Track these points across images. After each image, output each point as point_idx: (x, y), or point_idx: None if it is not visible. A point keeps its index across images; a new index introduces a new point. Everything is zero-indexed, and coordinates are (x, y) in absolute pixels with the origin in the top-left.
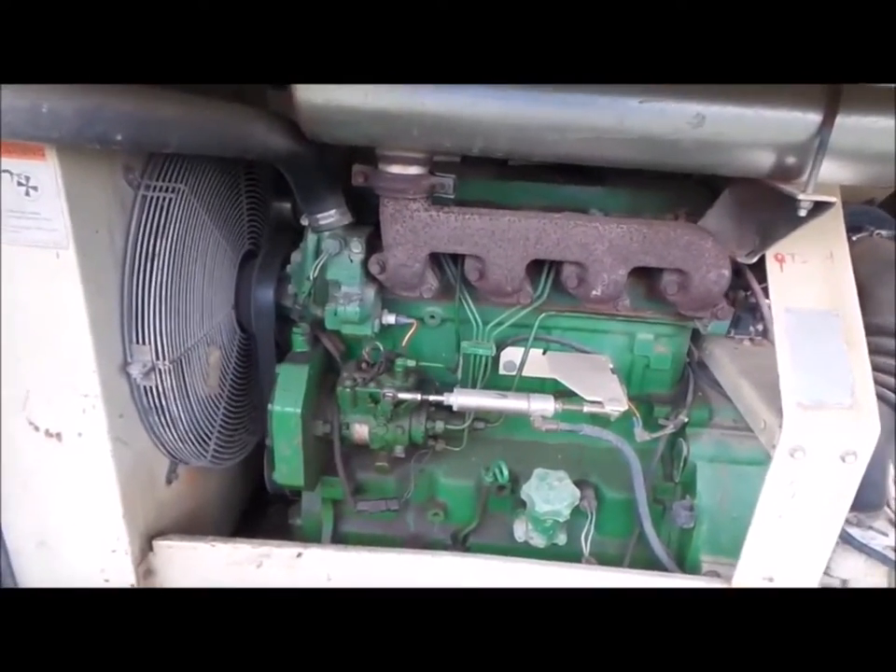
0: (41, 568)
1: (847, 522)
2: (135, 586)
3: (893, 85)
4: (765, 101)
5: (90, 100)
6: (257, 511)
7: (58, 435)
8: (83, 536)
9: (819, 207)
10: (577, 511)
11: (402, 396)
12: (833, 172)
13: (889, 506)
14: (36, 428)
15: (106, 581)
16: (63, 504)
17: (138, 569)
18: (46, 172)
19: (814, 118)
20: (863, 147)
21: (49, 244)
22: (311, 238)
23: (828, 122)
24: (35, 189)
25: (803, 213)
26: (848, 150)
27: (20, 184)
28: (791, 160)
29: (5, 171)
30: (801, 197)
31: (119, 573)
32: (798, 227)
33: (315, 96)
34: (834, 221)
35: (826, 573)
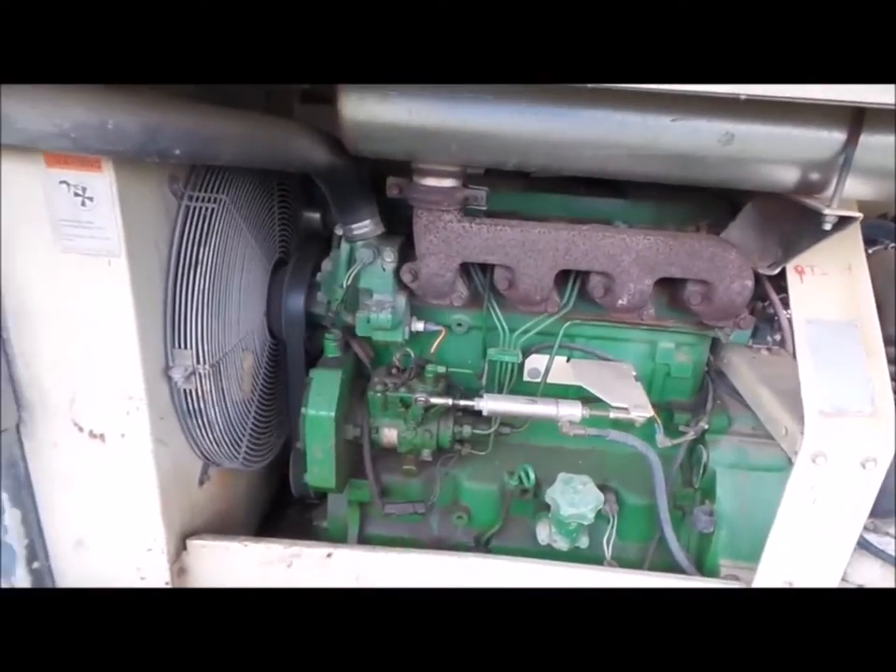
0: (78, 567)
1: (864, 528)
2: (169, 584)
3: None
4: (792, 119)
5: (151, 116)
6: (276, 512)
7: (101, 436)
8: (121, 535)
9: (842, 222)
10: (598, 516)
11: (434, 400)
12: (855, 187)
13: None
14: (80, 429)
15: (142, 578)
16: (103, 504)
17: (173, 567)
18: (102, 183)
19: (839, 136)
20: (886, 165)
21: (103, 251)
22: (344, 247)
23: (852, 140)
24: (90, 199)
25: (828, 227)
26: (872, 167)
27: (76, 195)
28: (816, 175)
29: (62, 182)
30: (826, 212)
31: (154, 571)
32: (821, 240)
33: (359, 113)
34: (853, 234)
35: (843, 578)
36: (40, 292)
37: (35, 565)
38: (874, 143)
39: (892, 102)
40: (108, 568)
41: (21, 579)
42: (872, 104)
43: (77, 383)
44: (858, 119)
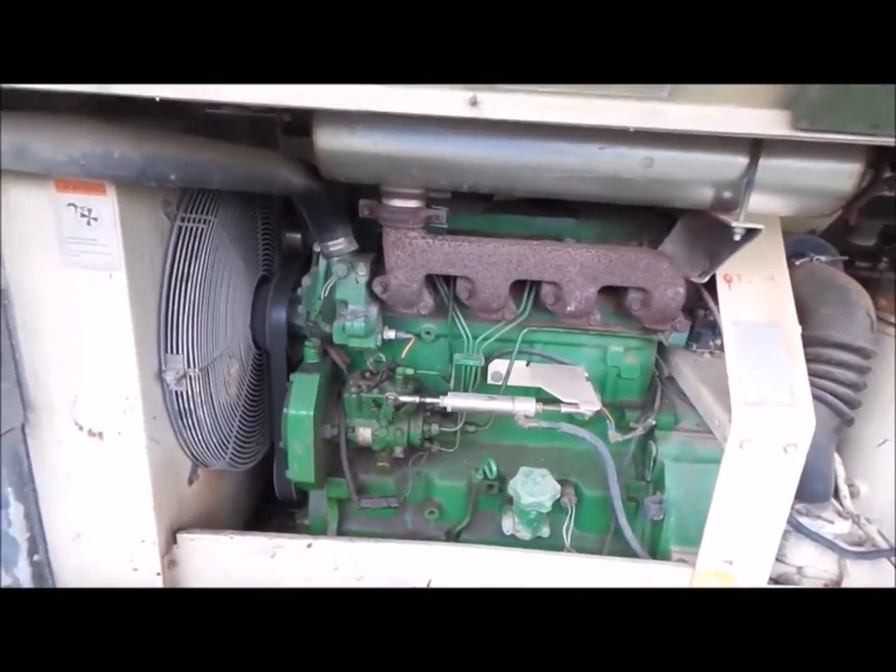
0: (76, 559)
1: (798, 512)
2: (161, 575)
3: (804, 135)
4: (702, 146)
5: (151, 146)
6: (259, 519)
7: (100, 434)
8: (116, 527)
9: (750, 233)
10: (559, 508)
11: (402, 398)
12: (763, 203)
13: (835, 497)
14: (81, 428)
15: (135, 570)
16: (100, 498)
17: (164, 560)
18: (105, 205)
19: (742, 160)
20: (784, 184)
21: (104, 266)
22: (321, 263)
23: (753, 164)
24: (95, 219)
25: (737, 237)
26: (773, 186)
27: (82, 215)
28: (726, 194)
29: (70, 204)
30: (734, 224)
31: (146, 562)
32: (737, 250)
33: (332, 144)
34: (775, 248)
35: (783, 560)
36: (47, 303)
37: (36, 557)
38: (772, 166)
39: (785, 133)
40: (104, 560)
41: (22, 570)
42: (765, 135)
43: (79, 385)
44: (757, 146)
